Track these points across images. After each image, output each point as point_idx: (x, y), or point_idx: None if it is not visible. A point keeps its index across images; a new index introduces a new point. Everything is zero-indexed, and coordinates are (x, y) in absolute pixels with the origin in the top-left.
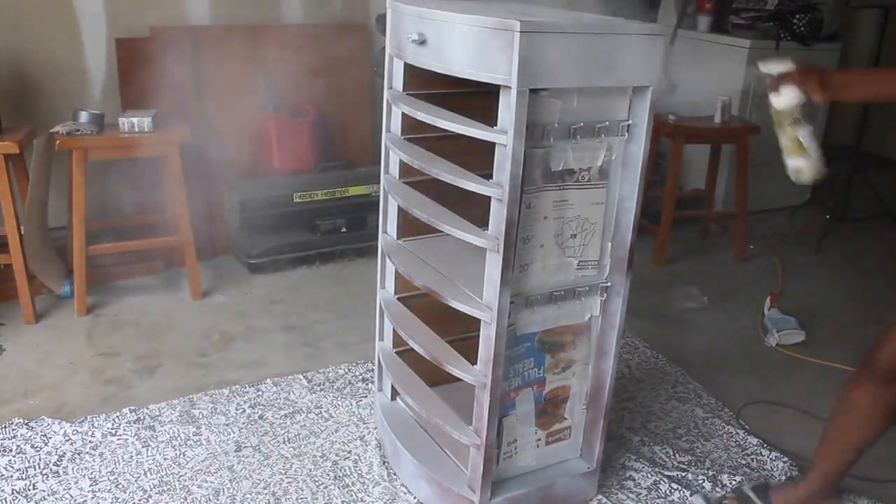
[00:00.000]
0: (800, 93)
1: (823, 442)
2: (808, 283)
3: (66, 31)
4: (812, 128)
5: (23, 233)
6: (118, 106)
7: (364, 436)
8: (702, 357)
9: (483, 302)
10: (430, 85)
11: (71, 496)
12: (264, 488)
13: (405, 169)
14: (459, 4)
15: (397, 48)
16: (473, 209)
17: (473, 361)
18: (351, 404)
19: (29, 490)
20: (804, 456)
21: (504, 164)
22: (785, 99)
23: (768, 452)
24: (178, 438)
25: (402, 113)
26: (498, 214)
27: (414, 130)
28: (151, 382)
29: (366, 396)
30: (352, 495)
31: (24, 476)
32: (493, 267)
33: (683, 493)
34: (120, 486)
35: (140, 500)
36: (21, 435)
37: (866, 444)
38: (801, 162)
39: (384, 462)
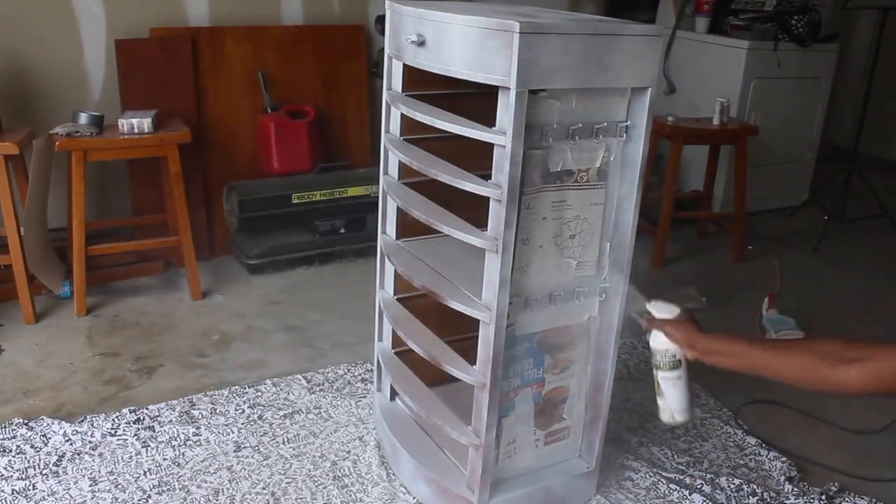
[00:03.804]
0: (669, 342)
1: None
2: (807, 283)
3: (65, 33)
4: (680, 375)
5: (22, 233)
6: (118, 107)
7: (363, 436)
8: None
9: (482, 302)
10: (429, 86)
11: (71, 496)
12: (263, 488)
13: (404, 170)
14: (458, 5)
15: (396, 49)
16: (472, 210)
17: (472, 362)
18: (350, 405)
19: (29, 490)
20: (803, 455)
21: (503, 164)
22: (655, 342)
23: (766, 452)
24: (178, 439)
25: (402, 114)
26: (497, 215)
27: (413, 131)
28: (151, 382)
29: (365, 397)
30: (351, 495)
31: (24, 476)
32: (492, 267)
33: (682, 493)
34: (119, 487)
35: (139, 500)
36: (21, 435)
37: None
38: (659, 401)
39: (383, 462)
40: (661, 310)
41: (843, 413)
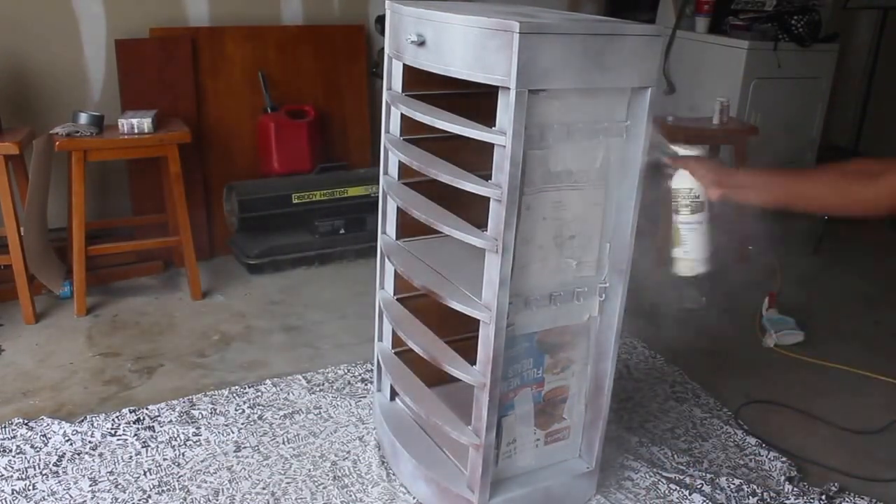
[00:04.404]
0: (693, 179)
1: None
2: (807, 283)
3: (65, 33)
4: (702, 219)
5: (22, 234)
6: (118, 107)
7: (363, 436)
8: (700, 357)
9: (482, 302)
10: (429, 86)
11: (71, 496)
12: (263, 488)
13: (404, 170)
14: (458, 5)
15: (396, 49)
16: (472, 210)
17: (472, 362)
18: (350, 405)
19: (29, 490)
20: (803, 455)
21: (503, 165)
22: (677, 181)
23: (766, 452)
24: (178, 439)
25: (402, 114)
26: (497, 215)
27: (413, 131)
28: (151, 382)
29: (365, 397)
30: (351, 495)
31: (23, 476)
32: (491, 268)
33: (682, 493)
34: (119, 487)
35: (139, 500)
36: (21, 435)
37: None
38: (677, 251)
39: (383, 462)
40: (682, 150)
41: (843, 413)
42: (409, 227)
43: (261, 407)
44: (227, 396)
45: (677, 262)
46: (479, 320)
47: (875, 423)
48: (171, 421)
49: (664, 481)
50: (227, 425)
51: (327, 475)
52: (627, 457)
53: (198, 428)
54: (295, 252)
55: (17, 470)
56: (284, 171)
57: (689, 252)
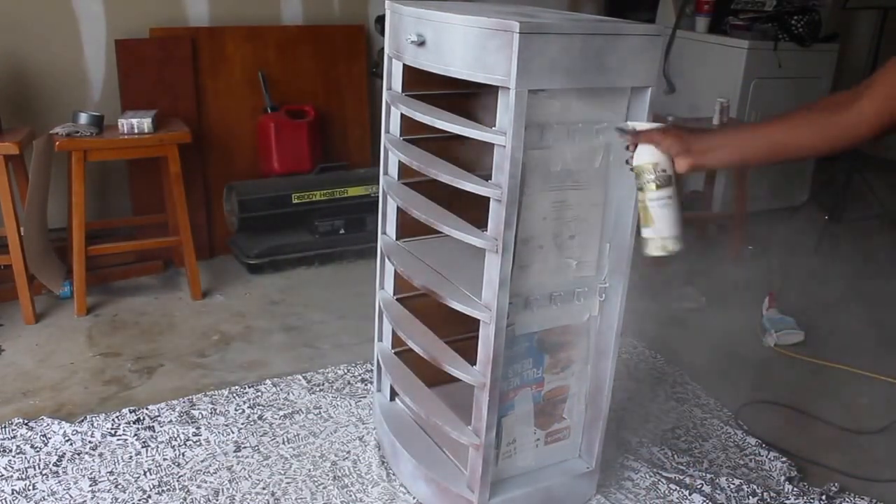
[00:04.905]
0: (656, 153)
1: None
2: (807, 283)
3: (65, 33)
4: (671, 194)
5: (22, 234)
6: (118, 107)
7: (363, 436)
8: (700, 357)
9: (482, 302)
10: (429, 86)
11: (71, 496)
12: (263, 488)
13: (404, 170)
14: (458, 5)
15: (396, 49)
16: (473, 210)
17: (472, 362)
18: (350, 405)
19: (29, 490)
20: (803, 455)
21: (503, 164)
22: (639, 157)
23: (766, 453)
24: (178, 439)
25: (402, 114)
26: (497, 215)
27: (413, 131)
28: (151, 382)
29: (365, 397)
30: (351, 495)
31: (23, 476)
32: (492, 268)
33: (682, 493)
34: (119, 487)
35: (139, 500)
36: (21, 435)
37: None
38: (646, 231)
39: (383, 462)
40: (639, 125)
41: (843, 413)
42: (409, 227)
43: (261, 407)
44: (227, 396)
45: (648, 242)
46: (479, 320)
47: (875, 423)
48: (171, 421)
49: (664, 481)
50: (227, 425)
51: (327, 475)
52: (627, 457)
53: (198, 428)
54: (295, 252)
55: (17, 470)
56: (284, 171)
57: (661, 230)
